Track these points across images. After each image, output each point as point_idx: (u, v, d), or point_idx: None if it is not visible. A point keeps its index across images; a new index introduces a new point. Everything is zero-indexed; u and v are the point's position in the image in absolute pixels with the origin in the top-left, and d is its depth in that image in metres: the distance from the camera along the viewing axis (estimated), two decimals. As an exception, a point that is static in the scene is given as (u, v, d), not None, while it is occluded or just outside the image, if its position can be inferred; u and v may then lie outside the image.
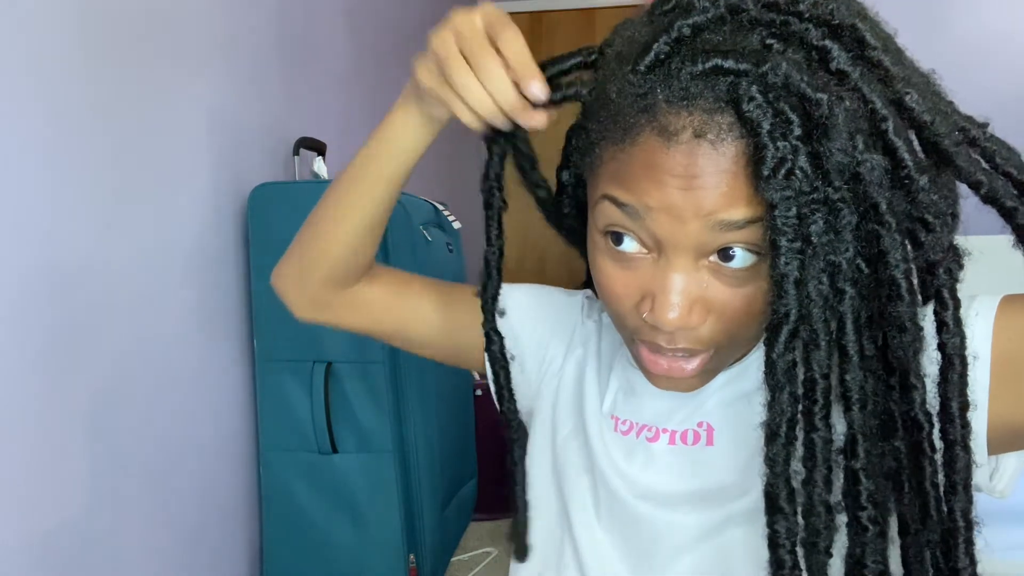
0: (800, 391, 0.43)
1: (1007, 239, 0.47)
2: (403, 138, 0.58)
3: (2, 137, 0.96)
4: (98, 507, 1.13)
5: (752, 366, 0.57)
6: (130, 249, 1.21)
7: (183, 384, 1.35)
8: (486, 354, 0.60)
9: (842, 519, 0.45)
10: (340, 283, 0.67)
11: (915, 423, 0.44)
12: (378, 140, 0.60)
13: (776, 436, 0.43)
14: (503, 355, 0.59)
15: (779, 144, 0.41)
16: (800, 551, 0.44)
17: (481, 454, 2.09)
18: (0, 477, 0.96)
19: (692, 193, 0.43)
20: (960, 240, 0.47)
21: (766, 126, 0.41)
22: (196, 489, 1.39)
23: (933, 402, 0.44)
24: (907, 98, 0.43)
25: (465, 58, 0.48)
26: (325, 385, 1.51)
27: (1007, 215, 0.45)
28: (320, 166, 1.69)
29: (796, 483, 0.44)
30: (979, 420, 0.46)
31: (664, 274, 0.47)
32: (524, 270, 3.27)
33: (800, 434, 0.44)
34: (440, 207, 1.88)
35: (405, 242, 1.57)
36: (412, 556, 1.57)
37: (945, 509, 0.44)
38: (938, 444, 0.44)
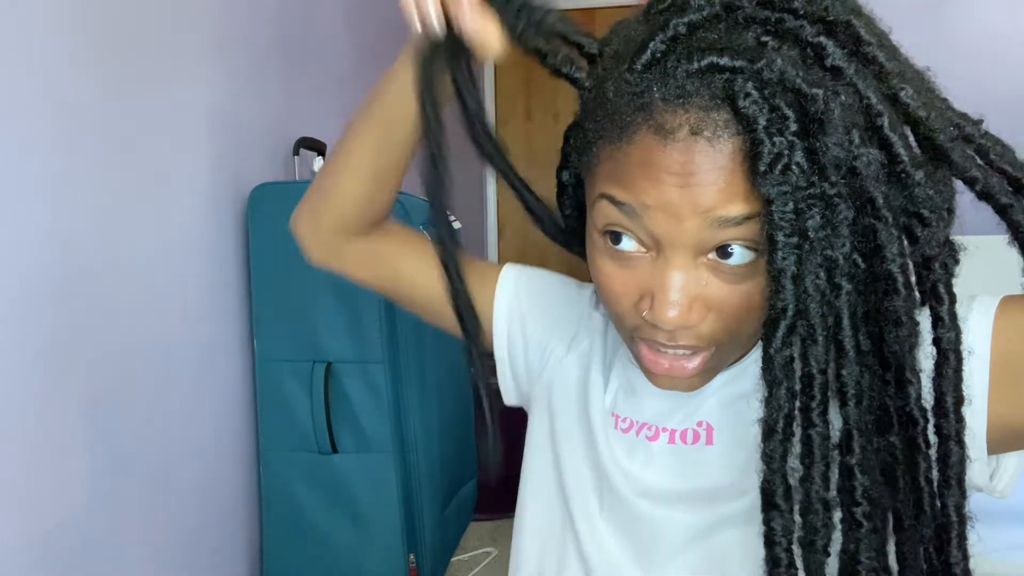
0: (798, 387, 0.43)
1: (1002, 238, 0.47)
2: (406, 78, 0.56)
3: (2, 136, 0.96)
4: (98, 507, 1.13)
5: (751, 366, 0.57)
6: (130, 249, 1.21)
7: (183, 384, 1.35)
8: (445, 272, 0.54)
9: (837, 516, 0.45)
10: (351, 230, 0.67)
11: (910, 418, 0.44)
12: (385, 80, 0.59)
13: (773, 432, 0.43)
14: (459, 275, 0.53)
15: (775, 140, 0.41)
16: (797, 549, 0.44)
17: (481, 454, 2.09)
18: (0, 477, 0.96)
19: (689, 190, 0.43)
20: (957, 239, 0.47)
21: (762, 122, 0.41)
22: (196, 489, 1.39)
23: (928, 398, 0.44)
24: (902, 94, 0.43)
25: None
26: (325, 385, 1.51)
27: (1001, 211, 0.46)
28: (320, 166, 1.69)
29: (793, 480, 0.44)
30: (978, 421, 0.47)
31: (663, 272, 0.47)
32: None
33: (797, 430, 0.44)
34: (440, 207, 1.87)
35: (405, 242, 1.57)
36: (412, 556, 1.57)
37: (939, 504, 0.44)
38: (933, 440, 0.44)
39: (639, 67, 0.45)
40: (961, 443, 0.44)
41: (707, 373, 0.52)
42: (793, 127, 0.41)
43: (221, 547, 1.47)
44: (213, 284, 1.45)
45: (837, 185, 0.41)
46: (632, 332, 0.51)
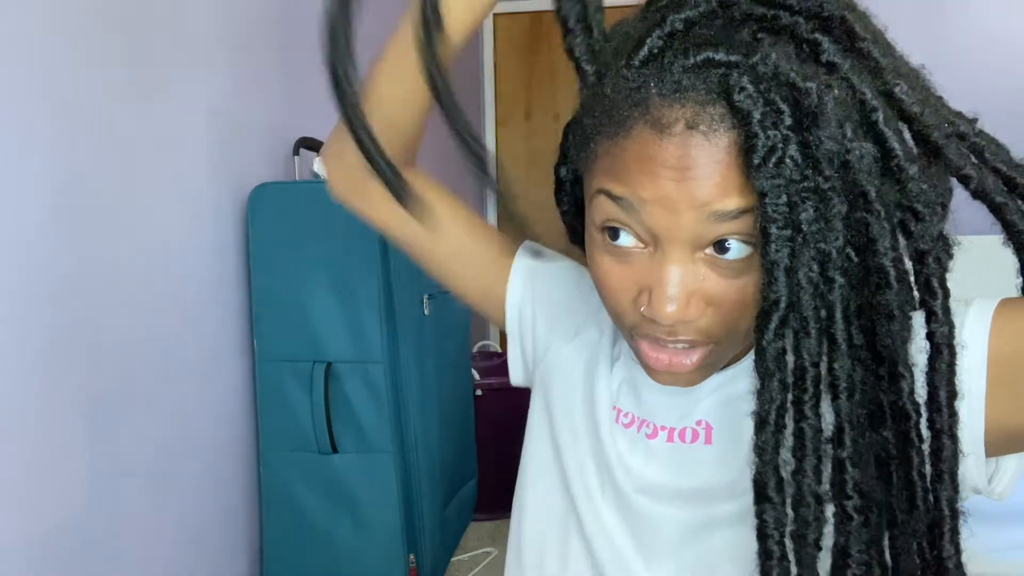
0: (790, 379, 0.44)
1: (997, 238, 0.47)
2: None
3: (2, 136, 0.96)
4: (98, 507, 1.13)
5: (749, 368, 0.57)
6: (130, 249, 1.21)
7: (183, 384, 1.35)
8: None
9: (829, 510, 0.45)
10: None
11: (903, 412, 0.44)
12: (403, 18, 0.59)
13: (765, 424, 0.44)
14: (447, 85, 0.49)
15: (770, 133, 0.41)
16: (789, 543, 0.44)
17: (481, 454, 2.09)
18: (0, 477, 0.96)
19: (685, 184, 0.44)
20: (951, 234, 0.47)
21: (757, 115, 0.41)
22: (196, 489, 1.39)
23: (921, 392, 0.44)
24: (897, 89, 0.44)
25: None
26: (325, 385, 1.51)
27: (996, 211, 0.46)
28: (320, 166, 1.69)
29: (785, 473, 0.44)
30: (976, 424, 0.46)
31: (660, 267, 0.47)
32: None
33: (790, 424, 0.44)
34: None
35: (405, 242, 1.57)
36: (412, 556, 1.57)
37: (931, 499, 0.44)
38: (926, 435, 0.44)
39: (636, 63, 0.45)
40: (954, 437, 0.44)
41: (706, 369, 0.52)
42: (787, 121, 0.41)
43: (221, 547, 1.47)
44: (213, 284, 1.45)
45: (831, 179, 0.42)
46: (631, 330, 0.52)
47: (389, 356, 1.53)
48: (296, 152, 1.68)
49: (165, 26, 1.29)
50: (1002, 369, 0.46)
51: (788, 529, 0.44)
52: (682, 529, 0.57)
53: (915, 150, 0.45)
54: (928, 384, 0.44)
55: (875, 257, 0.42)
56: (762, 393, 0.44)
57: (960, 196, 0.47)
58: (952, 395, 0.44)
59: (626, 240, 0.48)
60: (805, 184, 0.42)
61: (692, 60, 0.43)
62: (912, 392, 0.44)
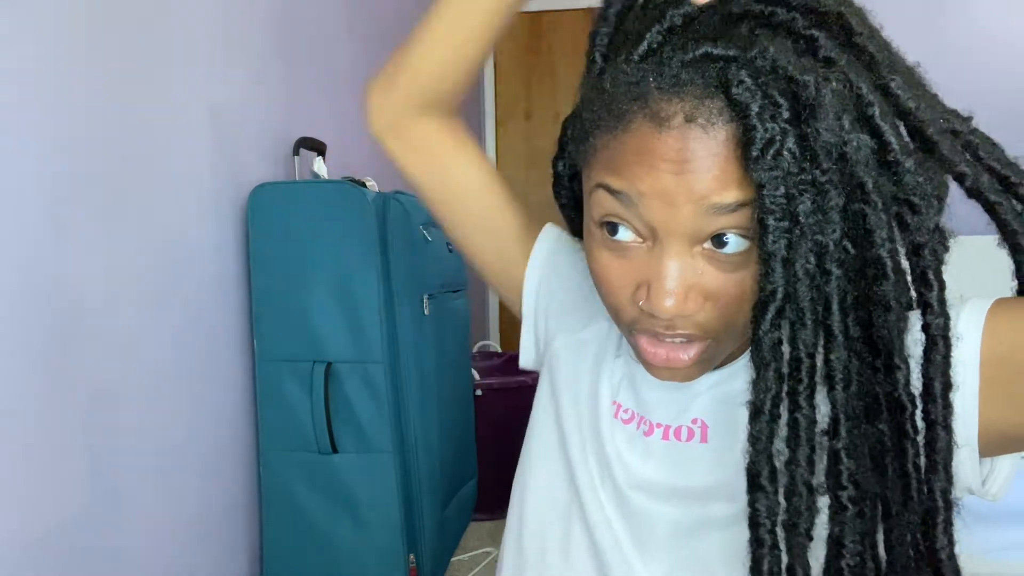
0: (785, 370, 0.44)
1: (993, 239, 0.47)
2: None
3: (2, 136, 0.97)
4: (98, 507, 1.13)
5: (746, 366, 0.57)
6: (130, 249, 1.21)
7: (183, 384, 1.35)
8: None
9: (825, 502, 0.45)
10: (421, 104, 0.66)
11: (898, 404, 0.44)
12: None
13: (760, 413, 0.44)
14: None
15: (768, 126, 0.42)
16: (780, 532, 0.44)
17: (481, 454, 2.09)
18: (0, 477, 0.96)
19: (684, 177, 0.44)
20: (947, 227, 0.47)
21: (755, 108, 0.42)
22: (196, 489, 1.39)
23: (917, 384, 0.45)
24: (892, 84, 0.44)
25: None
26: (325, 385, 1.51)
27: (991, 209, 0.46)
28: (320, 166, 1.69)
29: (778, 463, 0.44)
30: (970, 424, 0.47)
31: (659, 261, 0.47)
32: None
33: (784, 414, 0.44)
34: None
35: (405, 242, 1.57)
36: (412, 556, 1.57)
37: (926, 490, 0.44)
38: (921, 427, 0.45)
39: (636, 57, 0.46)
40: (948, 429, 0.44)
41: (704, 364, 0.52)
42: (785, 114, 0.42)
43: (221, 547, 1.48)
44: (213, 284, 1.45)
45: (828, 171, 0.42)
46: (629, 325, 0.52)
47: (389, 356, 1.53)
48: (296, 152, 1.68)
49: (165, 26, 1.29)
50: (996, 369, 0.46)
51: (780, 518, 0.44)
52: (677, 528, 0.57)
53: (911, 144, 0.45)
54: (923, 375, 0.45)
55: (872, 248, 0.43)
56: (757, 383, 0.44)
57: (955, 195, 0.47)
58: (947, 387, 0.44)
59: (624, 235, 0.49)
60: (803, 176, 0.42)
61: (691, 54, 0.43)
62: (908, 384, 0.44)
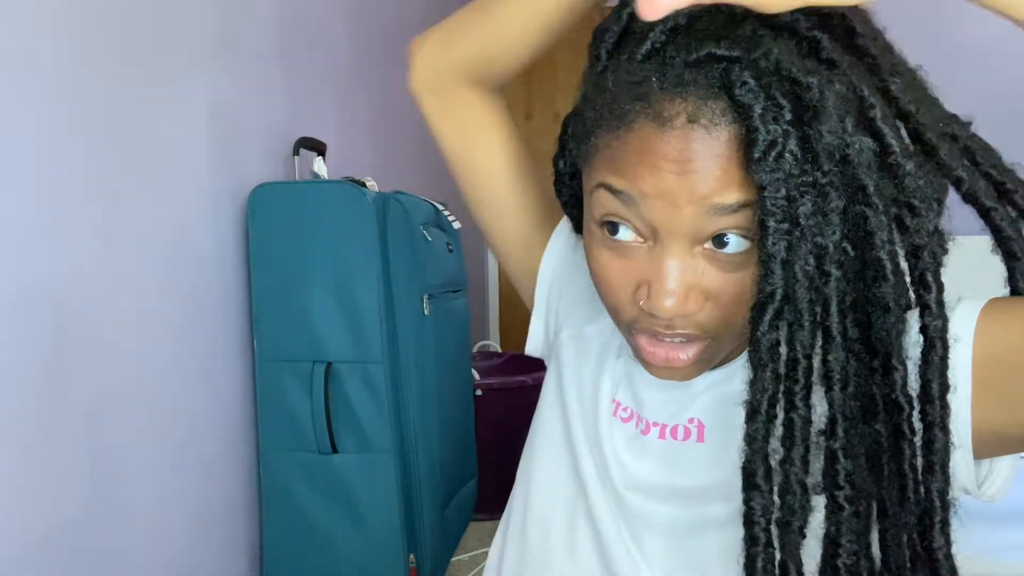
0: (782, 370, 0.44)
1: (988, 239, 0.47)
2: None
3: (2, 136, 0.97)
4: (98, 507, 1.13)
5: (744, 367, 0.58)
6: (130, 249, 1.21)
7: (183, 384, 1.35)
8: None
9: (821, 501, 0.45)
10: (475, 75, 0.65)
11: (896, 405, 0.44)
12: None
13: (757, 413, 0.44)
14: None
15: (770, 127, 0.42)
16: (775, 530, 0.44)
17: (481, 454, 2.09)
18: (0, 477, 0.96)
19: (686, 178, 0.44)
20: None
21: (758, 110, 0.42)
22: (196, 489, 1.39)
23: (914, 385, 0.45)
24: (893, 87, 0.44)
25: None
26: (325, 385, 1.51)
27: (985, 215, 0.46)
28: (320, 166, 1.69)
29: (774, 462, 0.45)
30: (963, 425, 0.47)
31: (660, 261, 0.47)
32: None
33: (780, 414, 0.44)
34: (440, 207, 1.88)
35: (405, 242, 1.57)
36: (412, 556, 1.57)
37: (922, 490, 0.45)
38: (918, 428, 0.45)
39: (639, 57, 0.46)
40: (946, 430, 0.44)
41: (702, 363, 0.52)
42: (788, 116, 0.42)
43: (221, 547, 1.48)
44: (213, 284, 1.45)
45: (829, 174, 0.42)
46: (629, 325, 0.52)
47: (389, 356, 1.53)
48: (296, 152, 1.68)
49: (165, 26, 1.29)
50: (989, 370, 0.46)
51: (774, 516, 0.44)
52: (674, 528, 0.57)
53: (911, 147, 0.45)
54: (921, 377, 0.45)
55: (872, 250, 0.43)
56: (754, 383, 0.45)
57: (952, 197, 0.47)
58: (944, 388, 0.44)
59: (625, 234, 0.49)
60: (804, 178, 0.42)
61: (694, 55, 0.43)
62: (905, 385, 0.44)
